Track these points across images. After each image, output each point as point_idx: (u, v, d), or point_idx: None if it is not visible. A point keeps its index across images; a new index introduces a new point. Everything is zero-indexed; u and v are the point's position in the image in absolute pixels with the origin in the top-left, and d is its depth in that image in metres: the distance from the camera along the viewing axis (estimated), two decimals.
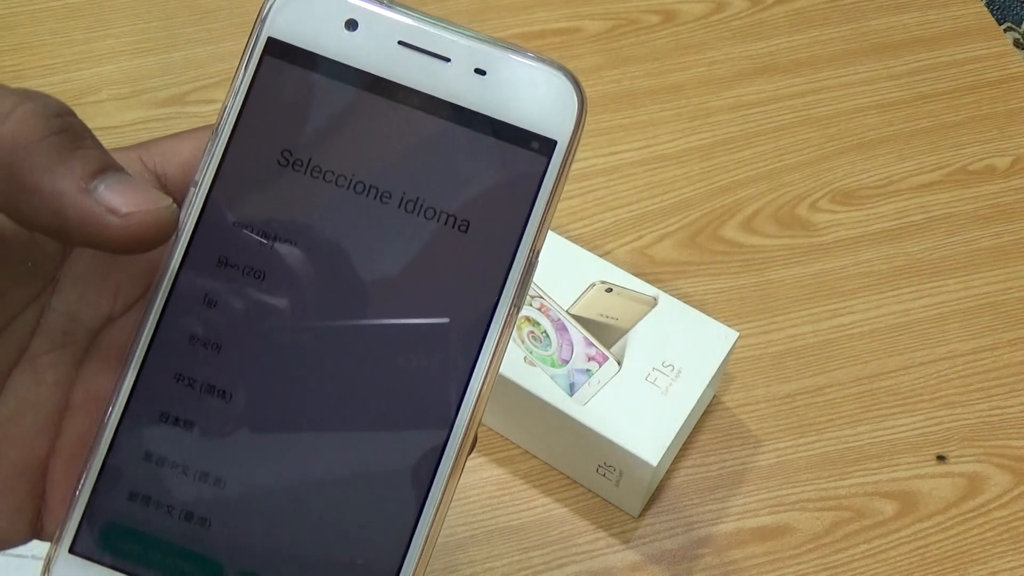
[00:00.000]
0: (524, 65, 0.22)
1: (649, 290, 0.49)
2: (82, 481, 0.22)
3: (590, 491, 0.50)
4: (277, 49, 0.23)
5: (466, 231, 0.22)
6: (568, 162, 0.23)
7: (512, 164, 0.22)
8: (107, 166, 0.19)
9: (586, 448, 0.47)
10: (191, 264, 0.22)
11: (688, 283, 0.57)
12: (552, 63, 0.23)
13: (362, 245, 0.22)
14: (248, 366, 0.22)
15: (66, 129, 0.19)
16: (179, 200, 0.22)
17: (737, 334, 0.48)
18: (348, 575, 0.22)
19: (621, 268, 0.50)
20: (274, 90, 0.23)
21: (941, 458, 0.50)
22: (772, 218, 0.59)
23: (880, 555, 0.49)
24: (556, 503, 0.50)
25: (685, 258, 0.58)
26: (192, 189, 0.22)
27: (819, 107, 0.64)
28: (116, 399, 0.22)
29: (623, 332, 0.48)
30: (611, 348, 0.48)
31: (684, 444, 0.51)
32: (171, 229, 0.20)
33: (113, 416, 0.22)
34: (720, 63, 0.66)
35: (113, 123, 0.62)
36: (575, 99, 0.23)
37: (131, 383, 0.22)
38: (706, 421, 0.52)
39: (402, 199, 0.22)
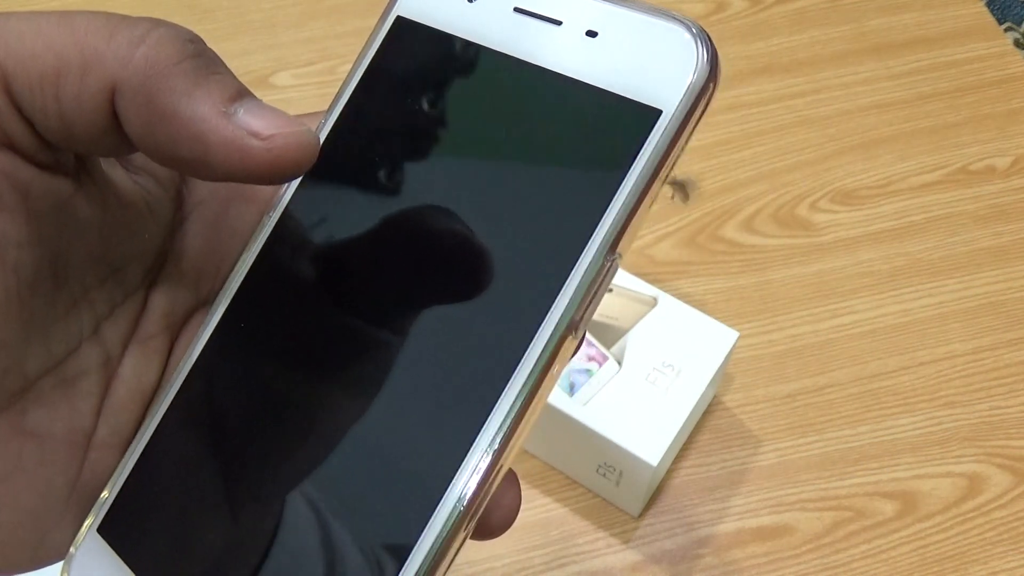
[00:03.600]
0: (641, 23, 0.20)
1: (649, 290, 0.49)
2: (122, 465, 0.21)
3: (590, 491, 0.50)
4: (402, 26, 0.23)
5: (560, 199, 0.20)
6: (679, 133, 0.19)
7: (612, 135, 0.20)
8: (243, 91, 0.19)
9: (586, 448, 0.47)
10: (286, 223, 0.22)
11: (688, 283, 0.57)
12: (676, 17, 0.20)
13: (460, 213, 0.21)
14: (312, 325, 0.21)
15: (200, 54, 0.18)
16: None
17: (737, 334, 0.48)
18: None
19: (621, 268, 0.50)
20: (393, 64, 0.22)
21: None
22: (772, 218, 0.59)
23: (880, 555, 0.49)
24: (556, 503, 0.50)
25: (685, 258, 0.58)
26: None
27: (819, 107, 0.64)
28: (174, 380, 0.21)
29: (623, 332, 0.48)
30: (611, 348, 0.47)
31: (684, 444, 0.51)
32: (313, 154, 0.19)
33: (167, 398, 0.21)
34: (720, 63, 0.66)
35: None
36: (694, 58, 0.19)
37: (195, 357, 0.21)
38: (706, 421, 0.52)
39: (504, 171, 0.21)
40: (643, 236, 0.58)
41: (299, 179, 0.22)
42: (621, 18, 0.20)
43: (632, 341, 0.48)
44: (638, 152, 0.19)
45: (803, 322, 0.56)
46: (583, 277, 0.19)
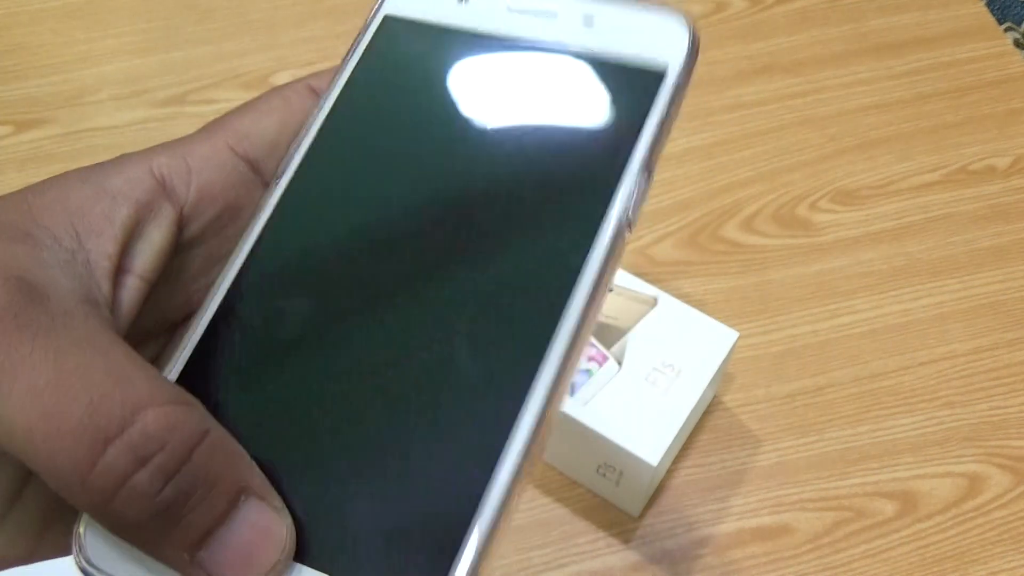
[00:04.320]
0: (631, 11, 0.23)
1: (649, 290, 0.49)
2: None
3: (590, 491, 0.50)
4: (392, 23, 0.24)
5: (579, 156, 0.22)
6: (680, 91, 0.22)
7: (624, 96, 0.23)
8: (212, 529, 0.18)
9: (586, 448, 0.47)
10: (287, 203, 0.22)
11: (688, 283, 0.57)
12: (662, 7, 0.23)
13: (469, 188, 0.22)
14: (334, 301, 0.21)
15: (169, 505, 0.18)
16: (271, 171, 0.23)
17: (737, 334, 0.48)
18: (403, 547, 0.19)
19: (621, 268, 0.50)
20: (387, 55, 0.24)
21: None
22: (772, 218, 0.59)
23: (880, 555, 0.49)
24: (556, 503, 0.50)
25: (685, 258, 0.58)
26: (292, 144, 0.23)
27: (819, 107, 0.64)
28: (185, 346, 0.21)
29: (623, 332, 0.48)
30: (611, 348, 0.47)
31: (684, 444, 0.51)
32: None
33: (182, 355, 0.21)
34: (720, 63, 0.66)
35: (113, 123, 0.62)
36: (687, 34, 0.23)
37: (208, 320, 0.22)
38: (706, 421, 0.52)
39: (513, 139, 0.23)
40: (643, 236, 0.58)
41: (290, 178, 0.23)
42: (611, 9, 0.23)
43: (632, 341, 0.48)
44: (655, 97, 0.22)
45: (803, 322, 0.56)
46: (635, 178, 0.21)
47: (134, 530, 0.18)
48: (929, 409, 0.53)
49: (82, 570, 0.20)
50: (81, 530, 0.20)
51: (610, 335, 0.48)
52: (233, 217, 0.23)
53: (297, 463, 0.20)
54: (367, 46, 0.24)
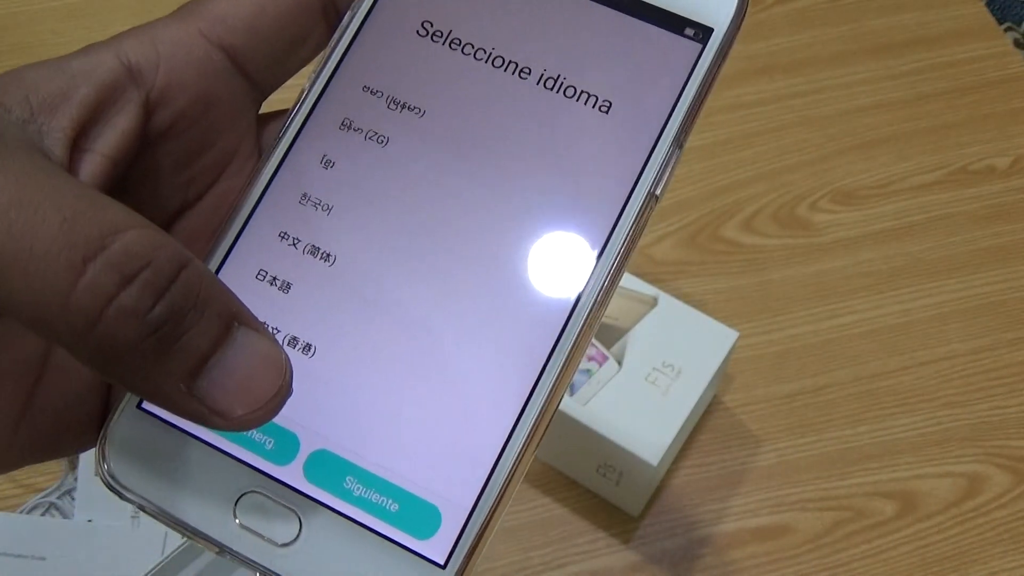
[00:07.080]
0: None
1: (649, 290, 0.49)
2: None
3: (590, 491, 0.50)
4: None
5: (607, 112, 0.22)
6: (725, 53, 0.22)
7: (665, 50, 0.22)
8: (210, 352, 0.17)
9: (586, 448, 0.47)
10: (315, 123, 0.22)
11: (688, 283, 0.57)
12: None
13: (495, 119, 0.22)
14: (358, 231, 0.21)
15: (162, 324, 0.16)
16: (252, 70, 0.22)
17: (737, 334, 0.48)
18: (430, 464, 0.20)
19: None
20: None
21: None
22: (772, 218, 0.59)
23: (880, 555, 0.49)
24: (556, 503, 0.50)
25: (685, 258, 0.58)
26: (325, 52, 0.22)
27: (819, 107, 0.64)
28: (213, 255, 0.21)
29: (623, 332, 0.48)
30: (611, 348, 0.47)
31: (684, 444, 0.51)
32: (273, 416, 0.18)
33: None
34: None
35: None
36: None
37: (231, 241, 0.21)
38: (706, 421, 0.52)
39: (542, 76, 0.22)
40: (643, 236, 0.58)
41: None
42: None
43: (632, 341, 0.48)
44: (698, 59, 0.22)
45: (803, 322, 0.56)
46: (667, 154, 0.21)
47: (124, 358, 0.16)
48: (929, 409, 0.53)
49: (107, 484, 0.20)
50: (105, 445, 0.20)
51: (610, 335, 0.48)
52: (206, 107, 0.21)
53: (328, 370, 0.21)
54: None
